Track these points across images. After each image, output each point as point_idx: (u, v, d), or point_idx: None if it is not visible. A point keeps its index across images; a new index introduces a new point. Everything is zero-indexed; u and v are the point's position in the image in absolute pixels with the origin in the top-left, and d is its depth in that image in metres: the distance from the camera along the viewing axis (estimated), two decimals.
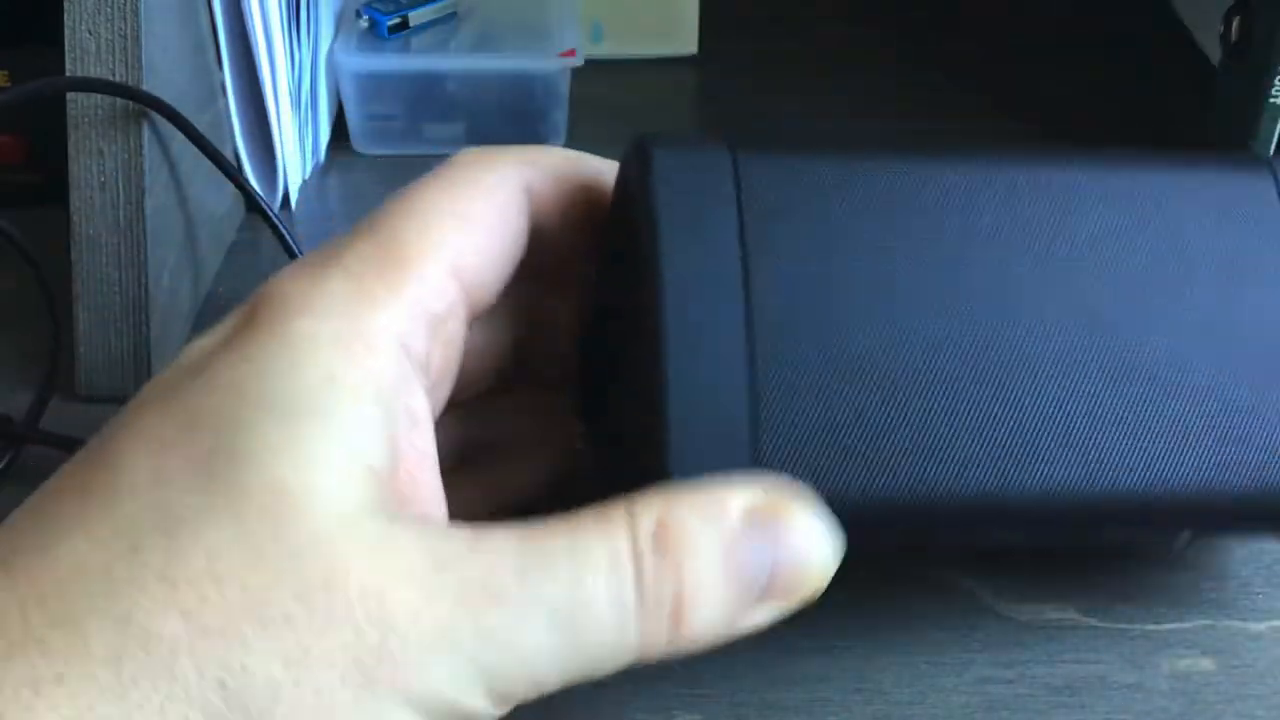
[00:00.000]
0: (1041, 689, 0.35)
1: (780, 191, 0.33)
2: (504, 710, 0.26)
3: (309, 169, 0.56)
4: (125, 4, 0.42)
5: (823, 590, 0.29)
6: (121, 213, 0.43)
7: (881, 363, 0.32)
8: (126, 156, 0.43)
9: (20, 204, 0.42)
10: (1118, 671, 0.35)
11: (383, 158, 0.57)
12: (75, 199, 0.43)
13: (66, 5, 0.42)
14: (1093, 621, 0.36)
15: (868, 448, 0.32)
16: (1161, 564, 0.38)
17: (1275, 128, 0.49)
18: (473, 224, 0.31)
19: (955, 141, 0.35)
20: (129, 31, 0.42)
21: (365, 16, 0.57)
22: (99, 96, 0.42)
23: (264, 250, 0.52)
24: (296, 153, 0.54)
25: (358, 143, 0.57)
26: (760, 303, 0.32)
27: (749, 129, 0.60)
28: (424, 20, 0.58)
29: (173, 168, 0.45)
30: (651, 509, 0.27)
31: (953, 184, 0.33)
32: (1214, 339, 0.34)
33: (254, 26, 0.49)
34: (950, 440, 0.32)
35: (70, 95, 0.42)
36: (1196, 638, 0.36)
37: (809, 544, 0.29)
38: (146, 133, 0.43)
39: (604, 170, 0.34)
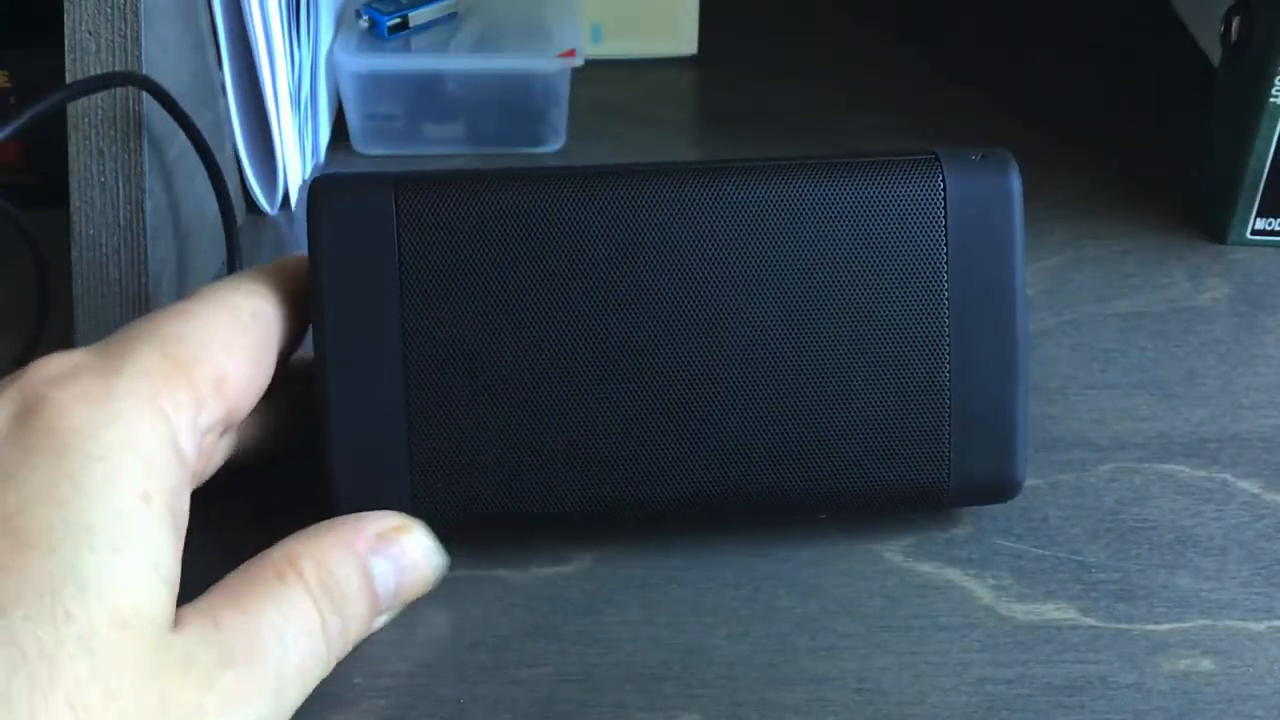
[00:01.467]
0: (1041, 689, 0.35)
1: (439, 227, 0.35)
2: None
3: (309, 169, 0.56)
4: (125, 4, 0.42)
5: (431, 587, 0.36)
6: (121, 213, 0.43)
7: (525, 388, 0.36)
8: (126, 156, 0.43)
9: (20, 205, 0.42)
10: (1118, 671, 0.35)
11: (383, 158, 0.57)
12: (75, 199, 0.43)
13: (66, 5, 0.42)
14: (1093, 621, 0.36)
15: (511, 472, 0.36)
16: (1161, 564, 0.38)
17: (1275, 127, 0.49)
18: (236, 349, 0.34)
19: (637, 162, 0.37)
20: (129, 31, 0.42)
21: (365, 16, 0.57)
22: (99, 97, 0.42)
23: (264, 250, 0.52)
24: (296, 153, 0.54)
25: (358, 143, 0.57)
26: (416, 342, 0.35)
27: (749, 129, 0.60)
28: (424, 20, 0.58)
29: (173, 168, 0.45)
30: (310, 563, 0.33)
31: (603, 208, 0.36)
32: (839, 352, 0.36)
33: (254, 26, 0.49)
34: (584, 456, 0.36)
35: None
36: (1196, 638, 0.36)
37: (420, 558, 0.35)
38: (146, 133, 0.43)
39: None
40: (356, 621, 0.33)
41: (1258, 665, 0.35)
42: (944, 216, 0.36)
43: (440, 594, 0.37)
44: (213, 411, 0.33)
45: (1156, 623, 0.36)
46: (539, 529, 0.38)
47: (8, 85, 0.51)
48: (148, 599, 0.29)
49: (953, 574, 0.38)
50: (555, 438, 0.36)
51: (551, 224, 0.35)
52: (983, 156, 0.37)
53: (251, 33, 0.50)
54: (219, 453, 0.37)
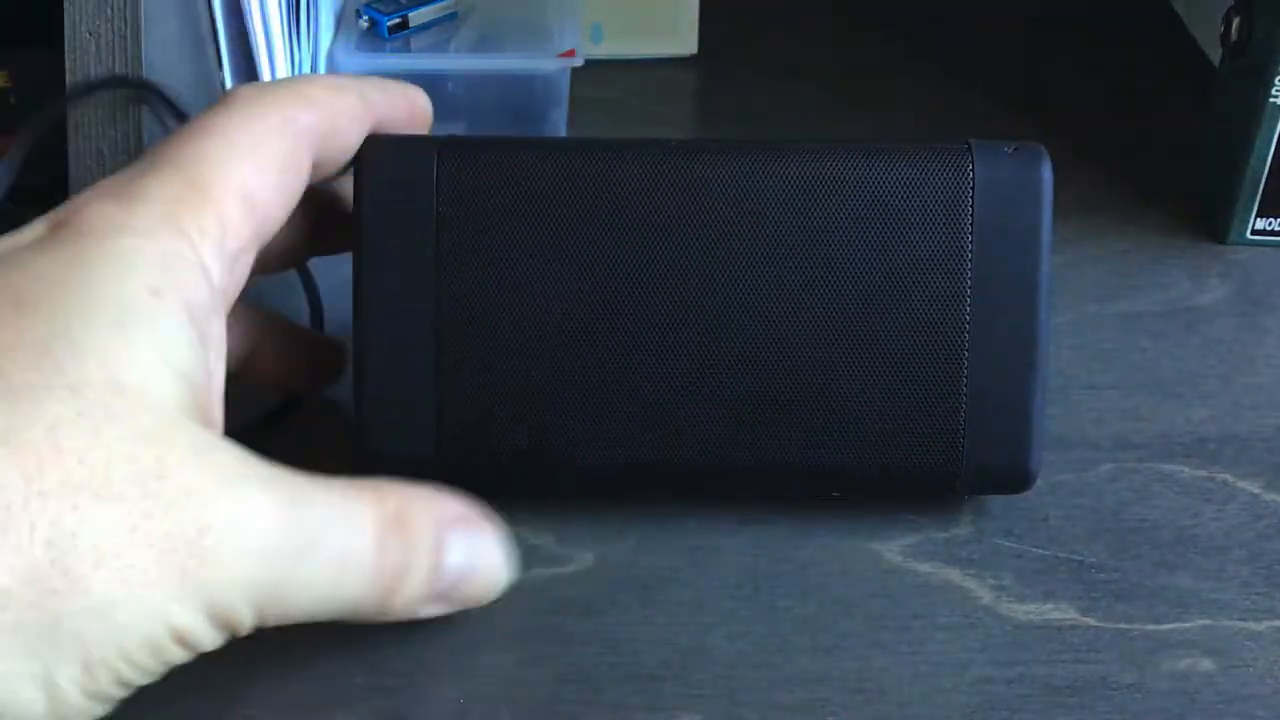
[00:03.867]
0: (1041, 689, 0.35)
1: (477, 189, 0.37)
2: (247, 632, 0.29)
3: None
4: (125, 4, 0.42)
5: (489, 598, 0.34)
6: None
7: (552, 348, 0.37)
8: (126, 156, 0.43)
9: (20, 205, 0.42)
10: (1118, 671, 0.35)
11: None
12: None
13: (66, 5, 0.42)
14: (1092, 621, 0.36)
15: (533, 427, 0.37)
16: (1161, 564, 0.38)
17: (1275, 127, 0.49)
18: (263, 162, 0.33)
19: (692, 138, 0.38)
20: (129, 31, 0.42)
21: (365, 16, 0.57)
22: (99, 96, 0.42)
23: None
24: None
25: None
26: (449, 299, 0.36)
27: (749, 129, 0.60)
28: (424, 20, 0.58)
29: None
30: (393, 496, 0.32)
31: (635, 178, 0.37)
32: (860, 327, 0.37)
33: (254, 26, 0.49)
34: (603, 415, 0.37)
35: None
36: (1196, 638, 0.36)
37: (493, 558, 0.34)
38: (146, 132, 0.43)
39: (374, 98, 0.37)
40: (413, 577, 0.32)
41: (1258, 665, 0.35)
42: (971, 202, 0.37)
43: None
44: (240, 231, 0.32)
45: (1156, 623, 0.36)
46: (556, 486, 0.38)
47: (8, 85, 0.51)
48: (154, 380, 0.28)
49: (953, 574, 0.38)
50: (576, 397, 0.37)
51: (586, 191, 0.36)
52: (1015, 149, 0.38)
53: (251, 33, 0.50)
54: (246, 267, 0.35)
